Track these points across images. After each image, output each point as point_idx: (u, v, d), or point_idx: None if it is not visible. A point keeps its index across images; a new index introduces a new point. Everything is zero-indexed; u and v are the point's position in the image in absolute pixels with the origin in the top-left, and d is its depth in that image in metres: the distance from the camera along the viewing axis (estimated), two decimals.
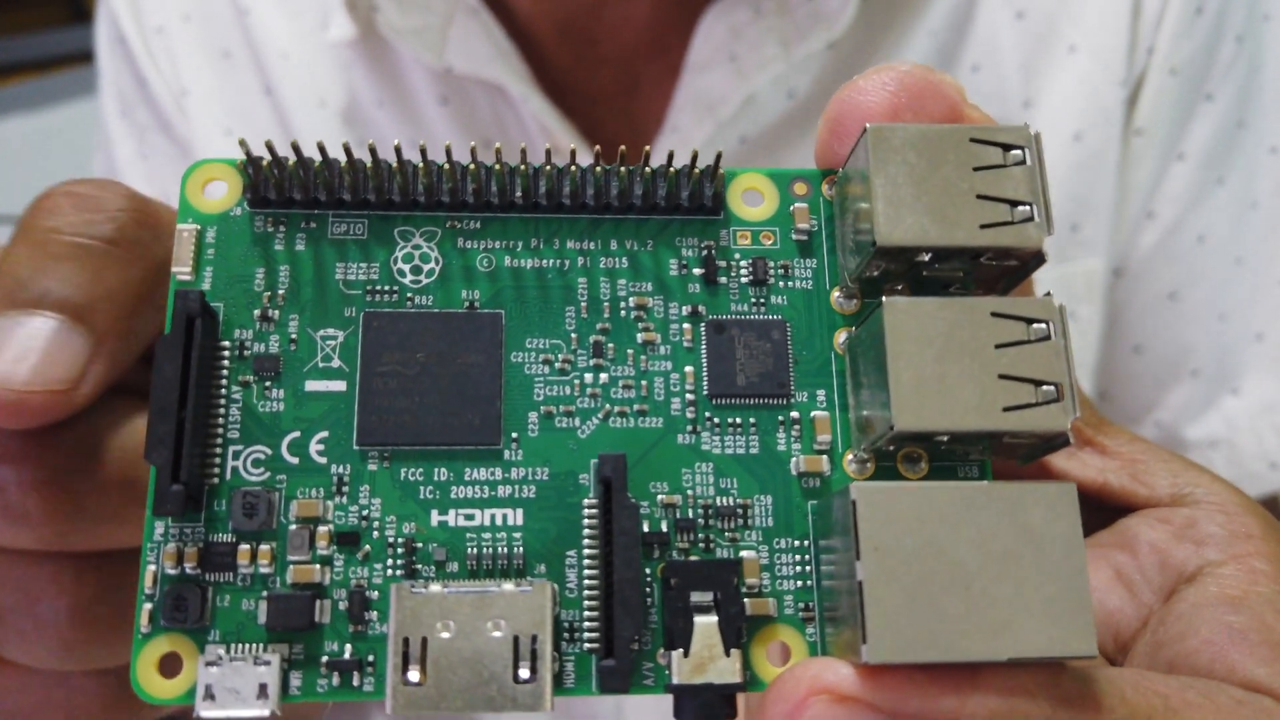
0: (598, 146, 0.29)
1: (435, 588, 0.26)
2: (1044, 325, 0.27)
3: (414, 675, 0.25)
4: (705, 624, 0.27)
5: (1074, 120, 0.65)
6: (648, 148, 0.30)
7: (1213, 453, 0.68)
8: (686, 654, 0.26)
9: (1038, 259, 0.28)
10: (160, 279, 0.30)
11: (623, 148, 0.30)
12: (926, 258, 0.28)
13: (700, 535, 0.28)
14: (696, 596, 0.27)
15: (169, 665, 0.27)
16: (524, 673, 0.26)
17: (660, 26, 0.64)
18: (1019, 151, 0.28)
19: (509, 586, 0.26)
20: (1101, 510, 0.32)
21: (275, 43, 0.70)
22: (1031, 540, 0.25)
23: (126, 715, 0.27)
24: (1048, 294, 0.27)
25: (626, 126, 0.67)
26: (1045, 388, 0.26)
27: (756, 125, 0.64)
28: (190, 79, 0.71)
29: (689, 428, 0.29)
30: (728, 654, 0.26)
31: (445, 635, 0.26)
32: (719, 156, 0.30)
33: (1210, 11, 0.65)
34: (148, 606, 0.27)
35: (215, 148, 0.70)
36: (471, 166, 0.29)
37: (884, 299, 0.26)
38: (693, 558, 0.28)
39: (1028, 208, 0.28)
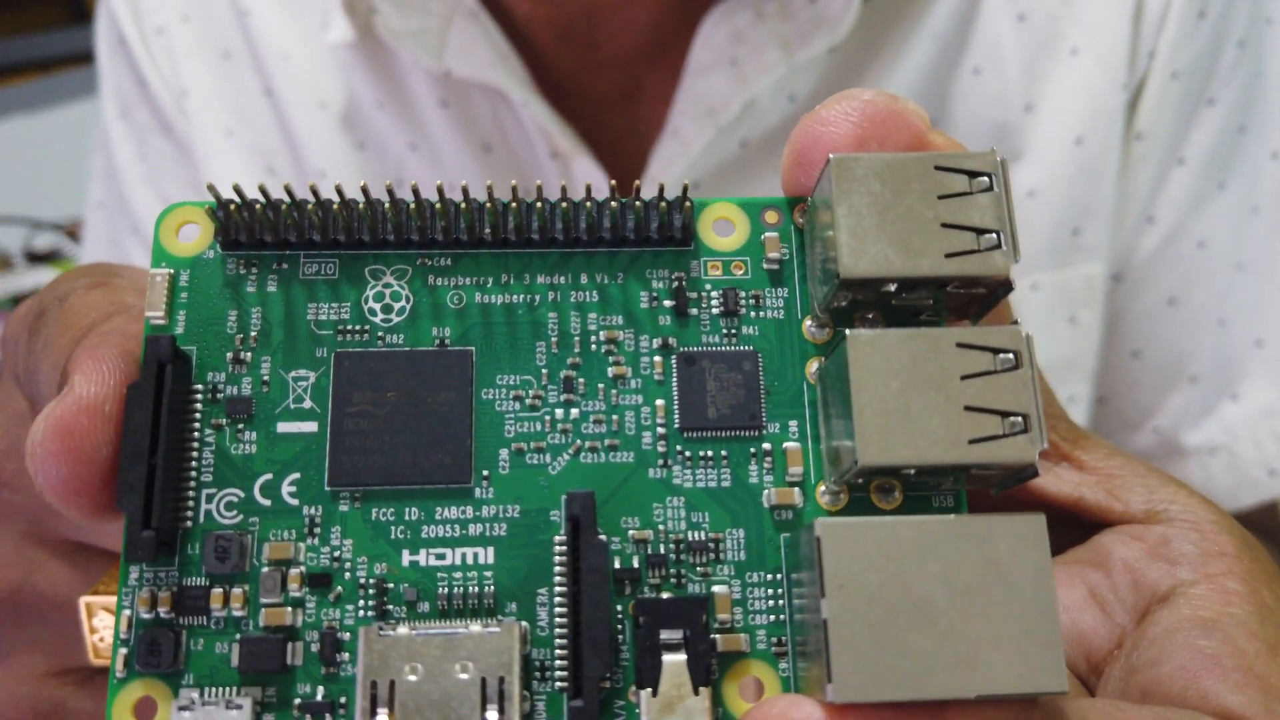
0: (558, 186, 0.30)
1: (403, 630, 0.26)
2: (1010, 355, 0.27)
3: (382, 718, 0.26)
4: (674, 662, 0.27)
5: (1076, 124, 0.64)
6: (613, 181, 0.30)
7: (1211, 459, 0.67)
8: (655, 693, 0.26)
9: (1005, 287, 0.28)
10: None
11: (589, 183, 0.30)
12: (893, 288, 0.28)
13: (672, 570, 0.28)
14: (665, 634, 0.27)
15: (144, 710, 0.27)
16: (491, 715, 0.26)
17: (661, 30, 0.64)
18: (985, 179, 0.28)
19: (476, 628, 0.26)
20: (1078, 526, 0.32)
21: (275, 44, 0.70)
22: (1000, 574, 0.25)
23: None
24: (1014, 322, 0.27)
25: (627, 130, 0.67)
26: (1012, 419, 0.26)
27: (757, 129, 0.64)
28: (190, 80, 0.72)
29: (660, 461, 0.29)
30: (696, 693, 0.26)
31: (413, 678, 0.26)
32: (685, 188, 0.30)
33: (1212, 16, 0.65)
34: (123, 651, 0.27)
35: (215, 149, 0.71)
36: (438, 205, 0.30)
37: (847, 332, 0.26)
38: (664, 594, 0.28)
39: (994, 235, 0.27)
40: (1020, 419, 0.26)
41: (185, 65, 0.72)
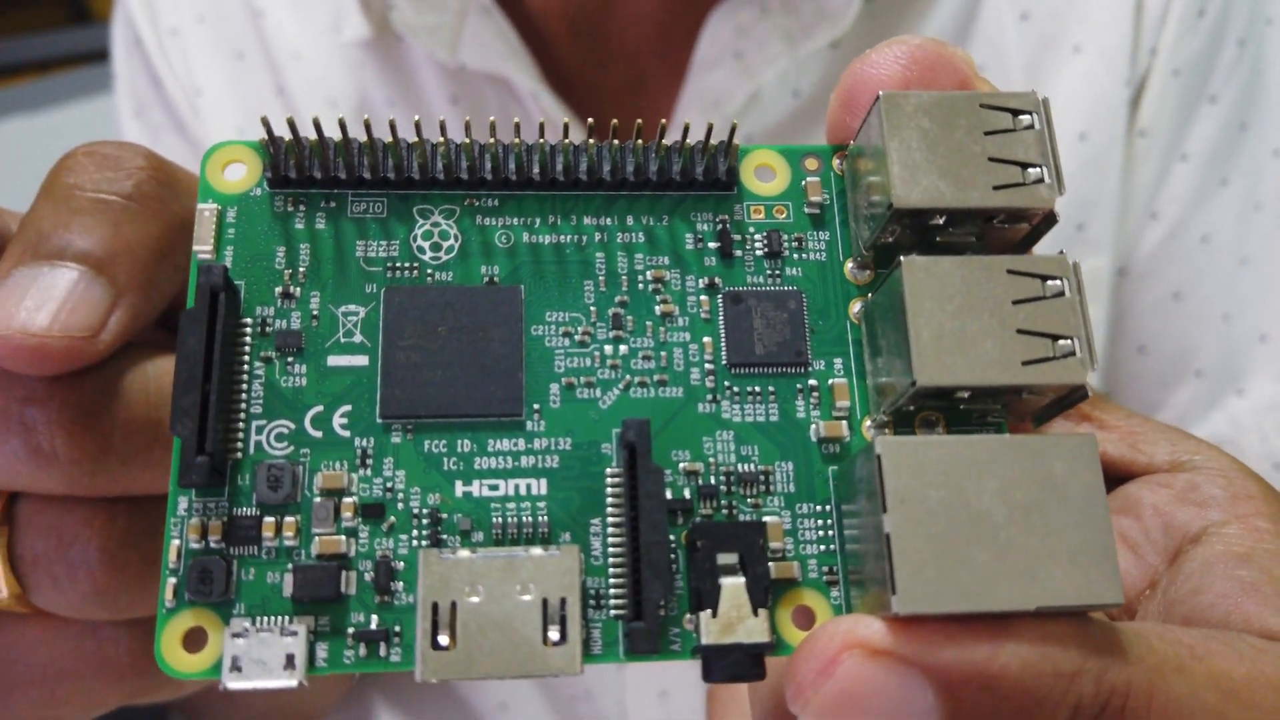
0: (615, 120, 0.30)
1: (463, 553, 0.26)
2: (1059, 282, 0.27)
3: (444, 640, 0.25)
4: (733, 584, 0.27)
5: (1079, 120, 0.66)
6: (664, 121, 0.30)
7: None
8: (715, 614, 0.26)
9: (1049, 220, 0.28)
10: (179, 237, 0.31)
11: (639, 121, 0.30)
12: (940, 221, 0.28)
13: (723, 501, 0.28)
14: (723, 558, 0.27)
15: (194, 640, 0.27)
16: (554, 635, 0.26)
17: (668, 25, 0.65)
18: (1028, 116, 0.29)
19: (537, 551, 0.26)
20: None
21: (288, 44, 0.71)
22: (1054, 491, 0.25)
23: (155, 667, 0.27)
24: (1061, 252, 0.28)
25: (634, 123, 0.68)
26: (1062, 342, 0.26)
27: (762, 123, 0.65)
28: (204, 80, 0.72)
29: (709, 397, 0.29)
30: (755, 614, 0.26)
31: (474, 600, 0.26)
32: (733, 130, 0.30)
33: (1212, 14, 0.66)
34: (172, 581, 0.27)
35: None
36: (490, 142, 0.30)
37: (901, 258, 0.27)
38: (718, 522, 0.28)
39: (1039, 169, 0.28)
40: (1071, 341, 0.26)
41: (199, 65, 0.72)
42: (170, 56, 0.73)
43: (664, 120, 0.30)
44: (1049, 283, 0.27)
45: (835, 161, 0.32)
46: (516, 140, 0.30)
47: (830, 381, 0.30)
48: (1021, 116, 0.29)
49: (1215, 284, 0.69)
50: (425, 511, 0.28)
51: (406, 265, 0.30)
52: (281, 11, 0.72)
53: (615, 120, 0.31)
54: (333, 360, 0.29)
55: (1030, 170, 0.28)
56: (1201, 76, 0.67)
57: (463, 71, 0.66)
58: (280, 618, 0.27)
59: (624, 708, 0.65)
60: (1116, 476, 0.33)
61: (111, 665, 0.33)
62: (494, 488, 0.28)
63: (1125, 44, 0.66)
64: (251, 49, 0.72)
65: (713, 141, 0.31)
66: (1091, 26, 0.66)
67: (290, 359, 0.29)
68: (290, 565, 0.27)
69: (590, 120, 0.30)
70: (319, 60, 0.71)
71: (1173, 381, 0.70)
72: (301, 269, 0.30)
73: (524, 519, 0.28)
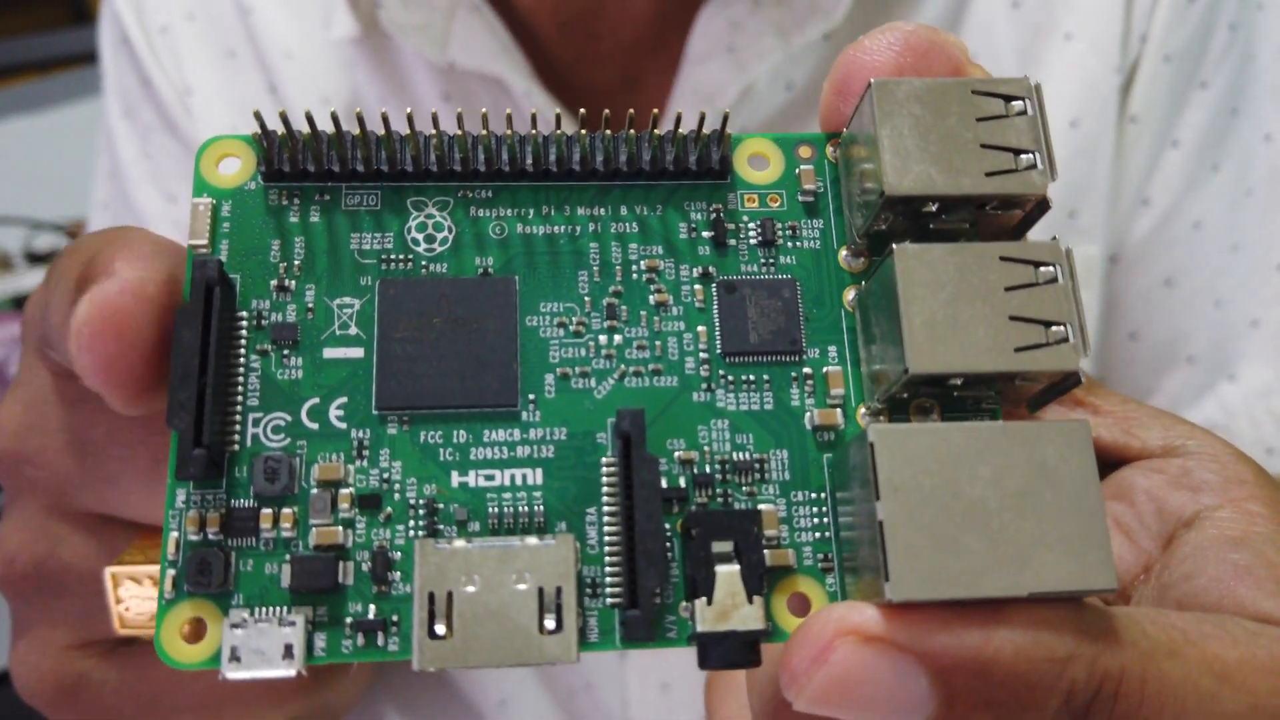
0: (606, 111, 0.30)
1: (459, 543, 0.26)
2: (1051, 268, 0.27)
3: (440, 630, 0.25)
4: (727, 572, 0.27)
5: (1070, 108, 0.66)
6: (656, 110, 0.30)
7: None
8: (710, 602, 0.26)
9: (1042, 206, 0.29)
10: None
11: (631, 111, 0.30)
12: (933, 208, 0.28)
13: (718, 490, 0.29)
14: (718, 546, 0.27)
15: (193, 630, 0.27)
16: (550, 623, 0.26)
17: (661, 20, 0.65)
18: (1020, 102, 0.29)
19: (533, 540, 0.27)
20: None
21: (279, 42, 0.70)
22: (1047, 477, 0.25)
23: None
24: (1054, 238, 0.28)
25: (626, 114, 0.68)
26: (1055, 328, 0.27)
27: (755, 117, 0.65)
28: (194, 78, 0.72)
29: (704, 385, 0.30)
30: (750, 601, 0.27)
31: (470, 589, 0.26)
32: (725, 118, 0.30)
33: None
34: (171, 573, 0.27)
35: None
36: (483, 134, 0.30)
37: (894, 245, 0.27)
38: (713, 510, 0.28)
39: (1031, 155, 0.28)
40: (1063, 328, 0.27)
41: (189, 64, 0.72)
42: (160, 55, 0.73)
43: (655, 110, 0.31)
44: (1041, 269, 0.27)
45: (829, 149, 0.32)
46: (509, 131, 0.30)
47: (825, 369, 0.30)
48: (1014, 102, 0.29)
49: (1207, 270, 0.69)
50: (421, 502, 0.28)
51: (401, 257, 0.30)
52: (271, 9, 0.71)
53: (607, 111, 0.31)
54: (328, 352, 0.29)
55: (1023, 156, 0.28)
56: (1193, 62, 0.67)
57: (454, 70, 0.66)
58: (278, 608, 0.27)
59: (625, 700, 0.65)
60: (1110, 461, 0.33)
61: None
62: (490, 478, 0.28)
63: (1116, 30, 0.66)
64: (242, 47, 0.72)
65: (705, 130, 0.31)
66: (1083, 13, 0.66)
67: (286, 352, 0.29)
68: (288, 556, 0.27)
69: (582, 111, 0.30)
70: (310, 58, 0.70)
71: (1164, 368, 0.70)
72: (296, 262, 0.30)
73: (520, 509, 0.28)
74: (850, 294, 0.31)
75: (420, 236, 0.30)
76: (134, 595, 0.34)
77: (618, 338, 0.30)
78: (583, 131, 0.30)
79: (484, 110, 0.30)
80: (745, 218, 0.31)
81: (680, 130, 0.31)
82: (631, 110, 0.30)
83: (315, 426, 0.28)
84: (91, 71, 0.80)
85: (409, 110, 0.29)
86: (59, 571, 0.36)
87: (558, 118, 0.29)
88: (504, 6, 0.66)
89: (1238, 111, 0.68)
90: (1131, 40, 0.67)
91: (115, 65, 0.75)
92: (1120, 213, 0.69)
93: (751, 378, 0.30)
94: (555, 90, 0.66)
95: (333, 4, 0.68)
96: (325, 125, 0.30)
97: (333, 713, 0.62)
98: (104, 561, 0.35)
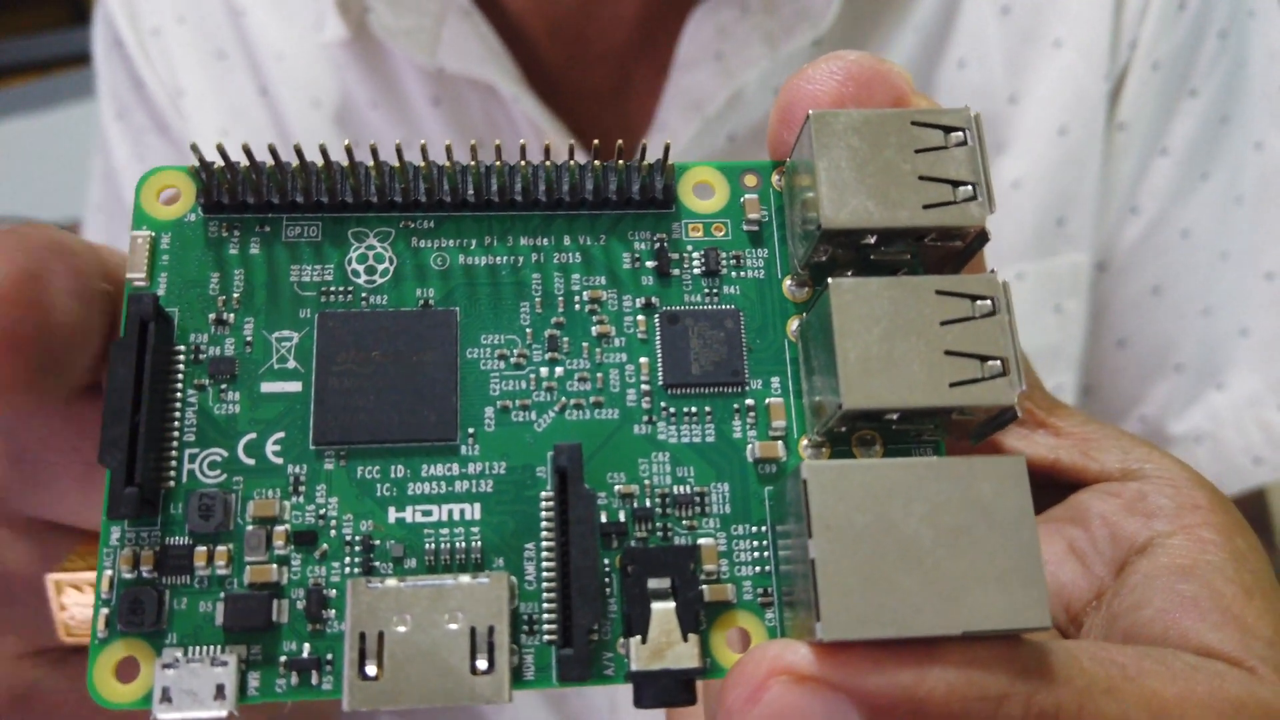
0: (571, 142, 0.30)
1: (391, 582, 0.26)
2: (988, 302, 0.27)
3: (371, 669, 0.25)
4: (662, 610, 0.27)
5: (1059, 115, 0.65)
6: (620, 141, 0.30)
7: (1197, 447, 0.67)
8: (644, 640, 0.26)
9: (981, 238, 0.28)
10: None
11: (595, 142, 0.30)
12: (872, 240, 0.28)
13: (658, 524, 0.28)
14: (654, 583, 0.27)
15: (126, 670, 0.27)
16: (481, 664, 0.26)
17: (650, 26, 0.65)
18: (960, 133, 0.28)
19: (465, 579, 0.26)
20: (1054, 488, 0.32)
21: (270, 44, 0.71)
22: (983, 513, 0.25)
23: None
24: (991, 271, 0.27)
25: (617, 125, 0.68)
26: (991, 363, 0.26)
27: (744, 123, 0.65)
28: (186, 80, 0.72)
29: (645, 418, 0.29)
30: (685, 639, 0.26)
31: (402, 629, 0.26)
32: (667, 149, 0.30)
33: (1193, 7, 0.66)
34: (104, 611, 0.27)
35: (211, 149, 0.71)
36: (422, 166, 0.30)
37: (830, 280, 0.27)
38: (651, 546, 0.28)
39: (969, 187, 0.28)
40: (999, 362, 0.26)
41: (181, 66, 0.72)
42: (152, 57, 0.73)
43: (635, 139, 0.30)
44: (978, 303, 0.27)
45: (774, 177, 0.32)
46: (449, 163, 0.29)
47: (767, 401, 0.30)
48: (953, 134, 0.28)
49: (1195, 278, 0.68)
50: (358, 538, 0.28)
51: (340, 289, 0.30)
52: (262, 11, 0.71)
53: (571, 142, 0.31)
54: (266, 387, 0.29)
55: (961, 188, 0.28)
56: (1182, 70, 0.67)
57: (444, 74, 0.66)
58: (212, 647, 0.27)
59: (614, 701, 0.65)
60: (1068, 484, 0.33)
61: None
62: (427, 513, 0.28)
63: (1105, 37, 0.66)
64: (233, 49, 0.72)
65: (648, 160, 0.30)
66: (1072, 20, 0.66)
67: (224, 386, 0.29)
68: (222, 594, 0.27)
69: (523, 142, 0.30)
70: (302, 61, 0.71)
71: (1153, 376, 0.70)
72: (235, 295, 0.30)
73: (457, 544, 0.28)
74: (794, 324, 0.30)
75: (361, 268, 0.30)
76: (77, 602, 0.34)
77: (559, 370, 0.30)
78: (523, 162, 0.30)
79: (423, 142, 0.30)
80: (689, 247, 0.31)
81: (624, 160, 0.31)
82: (596, 142, 0.30)
83: (252, 462, 0.28)
84: (91, 72, 0.80)
85: (346, 142, 0.29)
86: (2, 579, 0.36)
87: (522, 148, 0.29)
88: (494, 11, 0.66)
89: (1227, 119, 0.67)
90: (1120, 47, 0.66)
91: (108, 67, 0.76)
92: (1108, 220, 0.68)
93: (693, 409, 0.30)
94: (544, 95, 0.66)
95: (324, 7, 0.68)
96: (265, 157, 0.29)
97: (317, 712, 0.62)
98: (46, 568, 0.35)
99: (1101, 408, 0.71)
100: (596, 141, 0.30)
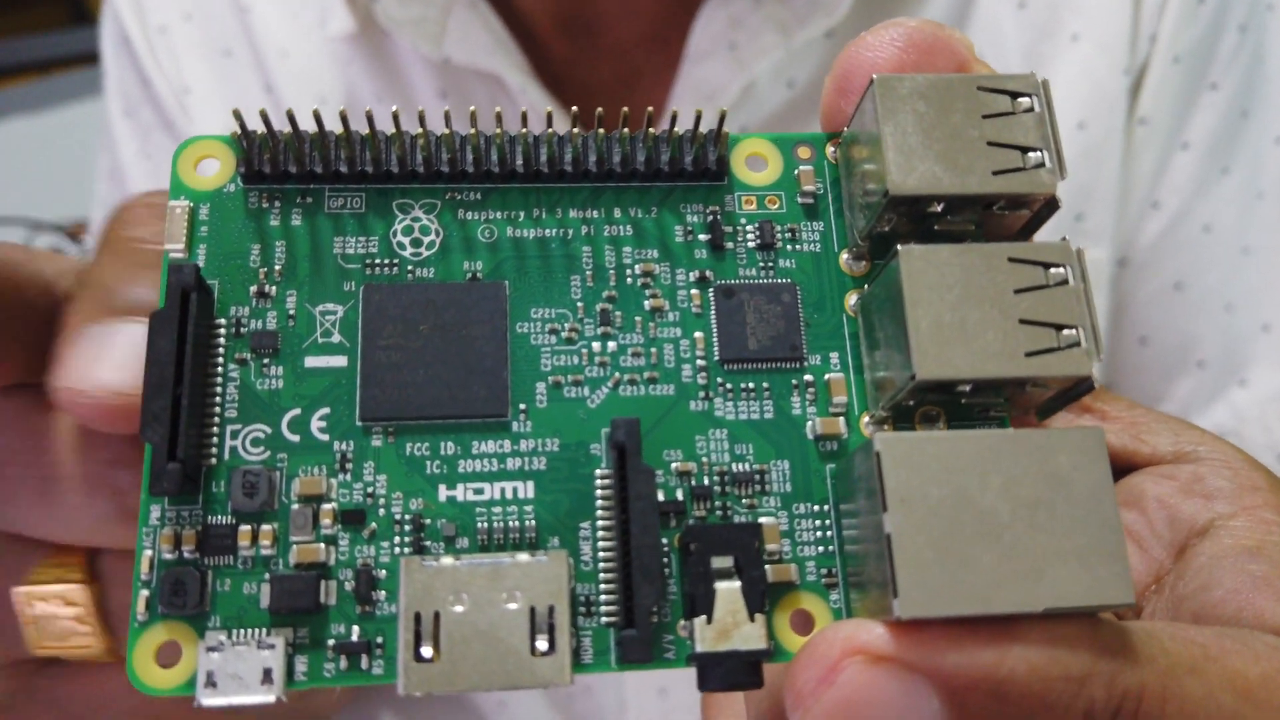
0: (600, 109, 0.29)
1: (447, 560, 0.25)
2: (1062, 269, 0.26)
3: (427, 652, 0.24)
4: (728, 589, 0.26)
5: (1078, 109, 0.65)
6: (650, 108, 0.29)
7: None
8: (709, 620, 0.25)
9: (1050, 206, 0.27)
10: None
11: (625, 109, 0.29)
12: (938, 208, 0.27)
13: (717, 503, 0.27)
14: (717, 562, 0.26)
15: (167, 654, 0.26)
16: (542, 645, 0.24)
17: (660, 17, 0.64)
18: (1028, 99, 0.28)
19: (524, 557, 0.25)
20: None
21: (275, 41, 0.70)
22: (1061, 487, 0.24)
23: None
24: (1064, 239, 0.27)
25: (620, 112, 0.67)
26: (1067, 332, 0.26)
27: (756, 115, 0.64)
28: (192, 78, 0.71)
29: (701, 394, 0.28)
30: (752, 619, 0.25)
31: (458, 609, 0.25)
32: (722, 118, 0.29)
33: (1212, 0, 0.65)
34: (144, 593, 0.26)
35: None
36: (472, 133, 0.29)
37: (899, 247, 0.26)
38: (711, 524, 0.27)
39: (1039, 154, 0.27)
40: (1075, 331, 0.25)
41: (187, 63, 0.72)
42: (159, 54, 0.72)
43: (650, 108, 0.29)
44: (1052, 270, 0.26)
45: (829, 149, 0.31)
46: (499, 131, 0.29)
47: (826, 377, 0.29)
48: (1021, 99, 0.28)
49: (1217, 274, 0.68)
50: (407, 517, 0.27)
51: (386, 262, 0.29)
52: (267, 7, 0.71)
53: (600, 109, 0.30)
54: (310, 361, 0.28)
55: (1030, 155, 0.27)
56: (1202, 63, 0.66)
57: (450, 66, 0.65)
58: (257, 630, 0.26)
59: (623, 703, 0.64)
60: (1119, 468, 0.32)
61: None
62: (479, 491, 0.27)
63: (1124, 31, 0.65)
64: (239, 46, 0.71)
65: (702, 130, 0.30)
66: (1090, 14, 0.65)
67: (266, 360, 0.28)
68: (267, 575, 0.26)
69: (574, 109, 0.29)
70: (306, 56, 0.70)
71: (1175, 372, 0.69)
72: (277, 267, 0.29)
73: (510, 524, 0.27)
74: (852, 299, 0.29)
75: (406, 240, 0.29)
76: (45, 614, 0.33)
77: (612, 344, 0.29)
78: (575, 130, 0.29)
79: (472, 108, 0.29)
80: (743, 220, 0.30)
81: (676, 130, 0.30)
82: (626, 109, 0.29)
83: (296, 439, 0.27)
84: (92, 72, 0.79)
85: (395, 109, 0.28)
86: None
87: (549, 116, 0.28)
88: (501, 2, 0.65)
89: (1248, 113, 0.67)
90: (1140, 41, 0.65)
91: (116, 65, 0.75)
92: (1129, 216, 0.68)
93: (751, 385, 0.29)
94: (552, 87, 0.65)
95: (329, 1, 0.67)
96: (308, 125, 0.29)
97: (312, 714, 0.61)
98: (13, 581, 0.34)
99: None
100: (651, 109, 0.29)
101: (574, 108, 0.29)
